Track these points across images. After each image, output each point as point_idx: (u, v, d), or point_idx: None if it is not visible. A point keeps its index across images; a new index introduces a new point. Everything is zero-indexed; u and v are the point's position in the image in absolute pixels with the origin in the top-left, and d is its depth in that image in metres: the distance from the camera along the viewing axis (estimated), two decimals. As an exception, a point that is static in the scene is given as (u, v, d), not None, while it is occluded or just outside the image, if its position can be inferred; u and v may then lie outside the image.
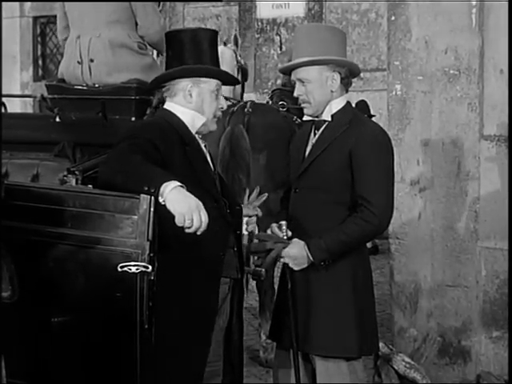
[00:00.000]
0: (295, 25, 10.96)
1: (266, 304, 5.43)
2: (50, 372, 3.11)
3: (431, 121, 4.98)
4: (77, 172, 3.90)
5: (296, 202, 3.54)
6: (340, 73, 3.46)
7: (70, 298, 3.03)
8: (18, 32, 13.18)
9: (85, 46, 4.49)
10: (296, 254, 3.42)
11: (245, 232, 3.48)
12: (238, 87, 6.87)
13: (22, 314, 3.09)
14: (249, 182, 5.20)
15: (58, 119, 4.43)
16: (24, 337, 3.13)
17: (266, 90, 10.62)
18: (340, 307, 3.43)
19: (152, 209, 2.86)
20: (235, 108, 5.46)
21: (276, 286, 4.04)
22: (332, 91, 3.47)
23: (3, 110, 4.49)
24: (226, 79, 3.41)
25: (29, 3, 13.09)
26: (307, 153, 3.52)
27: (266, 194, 3.67)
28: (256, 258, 3.57)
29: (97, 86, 4.48)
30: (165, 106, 3.34)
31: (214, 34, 3.41)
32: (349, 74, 3.51)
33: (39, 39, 13.32)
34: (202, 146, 3.34)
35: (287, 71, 3.59)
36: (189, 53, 3.29)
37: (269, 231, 3.53)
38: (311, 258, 3.40)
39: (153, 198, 2.85)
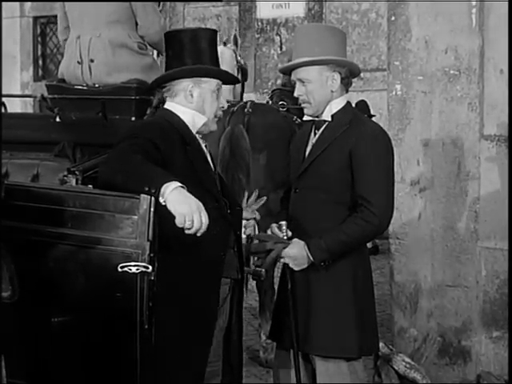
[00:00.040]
0: (295, 25, 10.97)
1: (266, 304, 5.43)
2: (50, 372, 3.11)
3: (431, 121, 4.98)
4: (77, 172, 3.90)
5: (296, 202, 3.54)
6: (340, 73, 3.46)
7: (70, 298, 3.03)
8: (18, 32, 13.18)
9: (85, 46, 4.49)
10: (296, 254, 3.42)
11: (243, 236, 3.47)
12: (238, 87, 6.87)
13: (22, 314, 3.09)
14: (249, 182, 5.20)
15: (58, 119, 4.43)
16: (24, 337, 3.13)
17: (265, 90, 10.62)
18: (340, 307, 3.43)
19: (152, 209, 2.85)
20: (235, 108, 5.46)
21: (276, 287, 4.04)
22: (332, 91, 3.47)
23: (3, 110, 4.50)
24: (226, 78, 3.41)
25: (29, 3, 13.09)
26: (307, 153, 3.52)
27: (265, 198, 3.67)
28: (256, 258, 3.57)
29: (97, 85, 4.48)
30: (165, 106, 3.34)
31: (213, 33, 3.41)
32: (349, 74, 3.51)
33: (39, 39, 13.32)
34: (203, 145, 3.34)
35: (287, 71, 3.58)
36: (188, 53, 3.29)
37: (269, 231, 3.53)
38: (311, 258, 3.40)
39: (153, 198, 2.85)
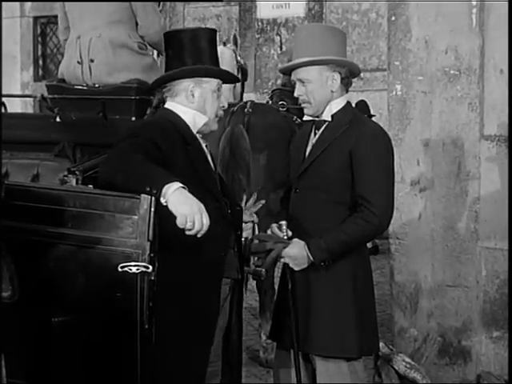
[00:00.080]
0: (295, 25, 10.96)
1: (266, 304, 5.43)
2: (50, 372, 3.11)
3: (431, 121, 4.98)
4: (77, 172, 3.89)
5: (296, 202, 3.54)
6: (340, 73, 3.46)
7: (70, 298, 3.03)
8: (19, 32, 13.18)
9: (85, 46, 4.49)
10: (296, 254, 3.42)
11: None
12: (238, 87, 6.86)
13: (22, 314, 3.09)
14: (249, 182, 5.20)
15: (58, 119, 4.43)
16: (24, 337, 3.13)
17: (265, 90, 10.62)
18: (340, 307, 3.43)
19: (152, 209, 2.85)
20: (235, 108, 5.46)
21: (276, 286, 4.04)
22: (332, 91, 3.47)
23: (3, 110, 4.50)
24: (226, 78, 3.41)
25: (29, 3, 13.09)
26: (307, 153, 3.52)
27: (263, 201, 3.67)
28: (256, 258, 3.57)
29: (97, 85, 4.47)
30: (166, 106, 3.33)
31: (213, 33, 3.41)
32: (349, 74, 3.51)
33: (39, 39, 13.32)
34: (203, 145, 3.34)
35: (287, 71, 3.58)
36: (188, 53, 3.29)
37: (269, 231, 3.53)
38: (311, 258, 3.40)
39: (153, 197, 2.85)
